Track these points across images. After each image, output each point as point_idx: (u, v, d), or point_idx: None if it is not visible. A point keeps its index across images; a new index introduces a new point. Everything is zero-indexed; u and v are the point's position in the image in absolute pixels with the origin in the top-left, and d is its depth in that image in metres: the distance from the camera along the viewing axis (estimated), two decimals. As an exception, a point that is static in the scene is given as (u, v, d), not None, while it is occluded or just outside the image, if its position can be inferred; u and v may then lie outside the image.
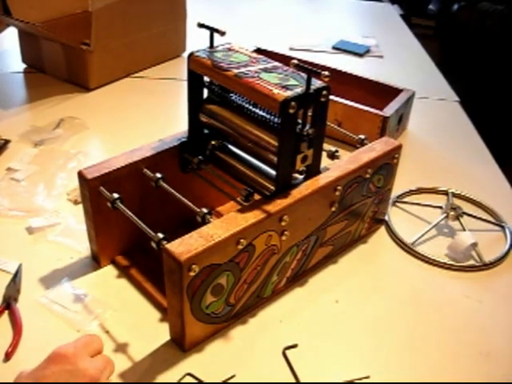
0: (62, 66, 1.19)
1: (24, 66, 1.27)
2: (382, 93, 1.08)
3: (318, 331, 0.65)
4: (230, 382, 0.58)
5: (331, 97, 0.90)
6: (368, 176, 0.71)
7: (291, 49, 1.46)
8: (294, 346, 0.62)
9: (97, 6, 1.11)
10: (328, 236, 0.71)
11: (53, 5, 1.13)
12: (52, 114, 1.07)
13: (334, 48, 1.49)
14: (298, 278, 0.71)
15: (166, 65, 1.32)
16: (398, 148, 0.75)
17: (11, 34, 1.32)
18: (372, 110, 0.98)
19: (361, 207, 0.74)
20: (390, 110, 0.98)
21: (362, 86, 1.12)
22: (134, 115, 1.10)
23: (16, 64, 1.27)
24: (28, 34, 1.21)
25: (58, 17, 1.15)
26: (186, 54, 1.35)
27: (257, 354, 0.61)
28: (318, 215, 0.67)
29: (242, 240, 0.57)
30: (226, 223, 0.58)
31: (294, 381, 0.58)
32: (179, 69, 1.31)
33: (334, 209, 0.68)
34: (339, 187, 0.67)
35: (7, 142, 0.97)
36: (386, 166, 0.74)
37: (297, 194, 0.63)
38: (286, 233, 0.62)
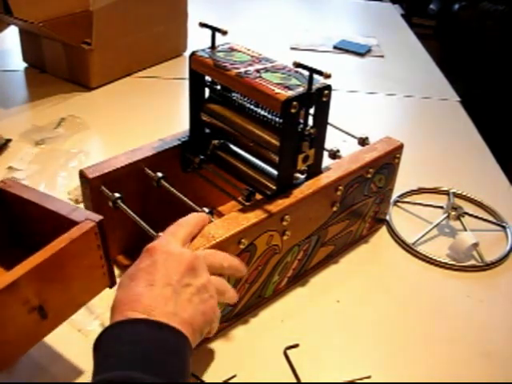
0: (62, 65, 1.19)
1: (25, 65, 1.26)
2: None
3: (319, 331, 0.65)
4: (230, 382, 0.58)
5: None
6: (369, 176, 0.71)
7: (292, 48, 1.46)
8: (295, 346, 0.62)
9: (98, 5, 1.11)
10: (329, 236, 0.71)
11: (54, 4, 1.13)
12: (53, 113, 1.07)
13: (335, 47, 1.49)
14: (300, 277, 0.70)
15: (167, 64, 1.32)
16: (400, 148, 0.75)
17: (12, 32, 1.32)
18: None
19: (362, 207, 0.74)
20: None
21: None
22: (135, 114, 1.10)
23: (17, 63, 1.27)
24: (29, 33, 1.21)
25: (59, 16, 1.14)
26: (187, 54, 1.35)
27: (258, 354, 0.61)
28: (320, 215, 0.67)
29: (243, 240, 0.57)
30: (227, 223, 0.58)
31: (295, 381, 0.58)
32: (180, 68, 1.31)
33: (335, 209, 0.68)
34: (340, 187, 0.67)
35: (8, 141, 0.97)
36: (387, 165, 0.74)
37: (298, 193, 0.63)
38: (287, 233, 0.62)
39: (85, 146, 0.98)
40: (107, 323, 0.62)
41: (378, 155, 0.72)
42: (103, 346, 0.44)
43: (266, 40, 1.47)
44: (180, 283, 0.48)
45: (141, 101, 1.15)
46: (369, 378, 0.59)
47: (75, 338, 0.61)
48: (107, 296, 0.66)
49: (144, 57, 1.27)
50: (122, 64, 1.23)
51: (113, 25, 1.16)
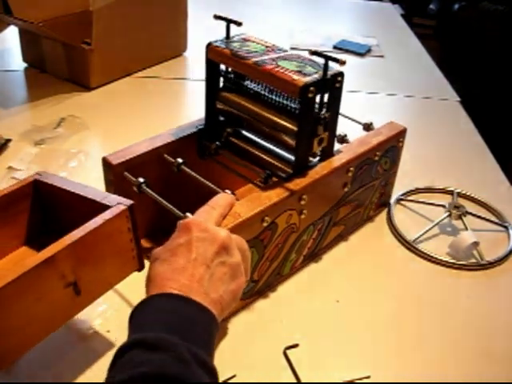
0: (62, 65, 1.24)
1: (25, 65, 1.32)
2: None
3: (319, 331, 0.68)
4: (230, 382, 0.61)
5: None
6: (377, 158, 0.80)
7: (292, 48, 1.52)
8: (295, 346, 0.65)
9: (98, 5, 1.17)
10: (340, 216, 0.79)
11: (54, 4, 1.18)
12: (53, 113, 1.12)
13: (335, 47, 1.56)
14: (313, 256, 0.78)
15: (167, 64, 1.36)
16: (403, 132, 0.84)
17: (12, 32, 1.37)
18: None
19: (369, 189, 0.83)
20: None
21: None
22: (135, 114, 1.15)
23: (17, 63, 1.32)
24: (29, 33, 1.26)
25: (59, 16, 1.19)
26: (187, 54, 1.41)
27: (258, 354, 0.65)
28: (333, 195, 0.75)
29: (266, 218, 0.64)
30: (250, 202, 0.65)
31: (295, 381, 0.61)
32: (180, 68, 1.35)
33: (346, 189, 0.76)
34: (352, 168, 0.75)
35: (8, 141, 1.01)
36: (392, 148, 0.83)
37: (314, 174, 0.71)
38: (304, 211, 0.70)
39: (85, 145, 1.03)
40: (108, 322, 0.67)
41: (384, 139, 0.80)
42: (137, 315, 0.50)
43: (266, 40, 1.54)
44: (215, 261, 0.54)
45: (141, 101, 1.21)
46: (368, 377, 0.62)
47: (76, 337, 0.65)
48: (107, 295, 0.66)
49: (144, 57, 1.33)
50: (122, 64, 1.28)
51: (113, 25, 1.21)
